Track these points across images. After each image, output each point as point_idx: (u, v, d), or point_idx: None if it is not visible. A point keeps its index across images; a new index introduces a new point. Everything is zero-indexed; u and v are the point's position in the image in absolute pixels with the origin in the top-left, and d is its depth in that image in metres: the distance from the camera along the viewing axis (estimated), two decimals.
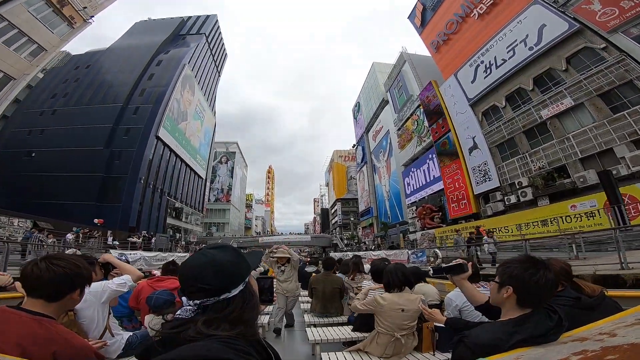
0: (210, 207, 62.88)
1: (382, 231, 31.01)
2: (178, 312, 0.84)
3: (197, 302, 0.82)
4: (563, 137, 16.90)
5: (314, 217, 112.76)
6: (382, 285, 3.11)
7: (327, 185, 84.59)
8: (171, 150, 37.05)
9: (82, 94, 35.63)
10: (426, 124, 28.66)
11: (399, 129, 34.60)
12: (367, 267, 5.33)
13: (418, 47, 35.70)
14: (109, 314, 2.20)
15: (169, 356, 0.56)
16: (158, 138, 33.77)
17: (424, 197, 28.59)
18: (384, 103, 41.11)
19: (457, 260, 2.00)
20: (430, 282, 4.48)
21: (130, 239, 18.04)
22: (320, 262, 7.98)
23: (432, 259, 11.41)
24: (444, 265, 2.07)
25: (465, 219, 22.88)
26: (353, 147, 57.54)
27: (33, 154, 30.97)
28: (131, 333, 2.45)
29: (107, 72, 38.67)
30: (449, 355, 2.05)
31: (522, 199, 18.53)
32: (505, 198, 19.65)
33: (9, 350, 1.05)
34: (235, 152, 73.34)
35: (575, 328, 1.12)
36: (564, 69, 17.09)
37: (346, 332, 3.79)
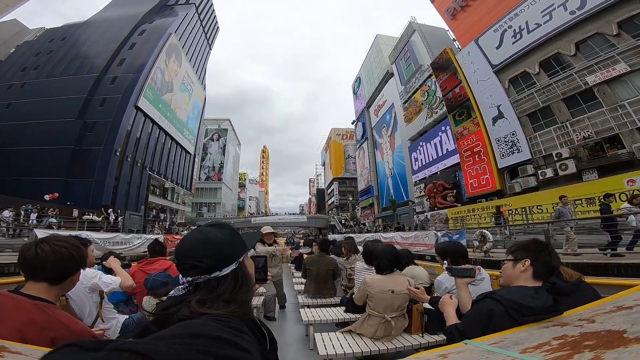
0: (200, 186, 59.80)
1: (390, 210, 28.21)
2: (172, 292, 0.83)
3: (190, 279, 0.81)
4: (615, 104, 14.66)
5: (309, 198, 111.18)
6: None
7: (324, 164, 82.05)
8: (154, 122, 33.54)
9: (55, 66, 32.68)
10: (439, 93, 25.86)
11: (405, 102, 32.30)
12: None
13: (426, 19, 32.41)
14: (102, 299, 2.21)
15: (163, 333, 0.55)
16: (138, 108, 30.32)
17: (435, 173, 25.84)
18: (388, 76, 38.81)
19: (468, 265, 2.36)
20: (420, 264, 4.70)
21: (86, 216, 14.95)
22: (314, 243, 7.58)
23: (477, 243, 8.51)
24: (454, 266, 2.19)
25: (485, 197, 20.15)
26: (352, 123, 54.16)
27: None
28: (127, 316, 2.47)
29: (84, 43, 35.31)
30: (437, 337, 2.79)
31: (561, 173, 15.79)
32: (540, 172, 16.81)
33: (8, 335, 1.03)
34: (227, 129, 69.23)
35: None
36: (615, 33, 15.07)
37: (339, 313, 3.83)
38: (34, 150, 26.48)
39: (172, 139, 38.61)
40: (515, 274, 1.54)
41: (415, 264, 4.09)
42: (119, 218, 17.20)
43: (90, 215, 15.28)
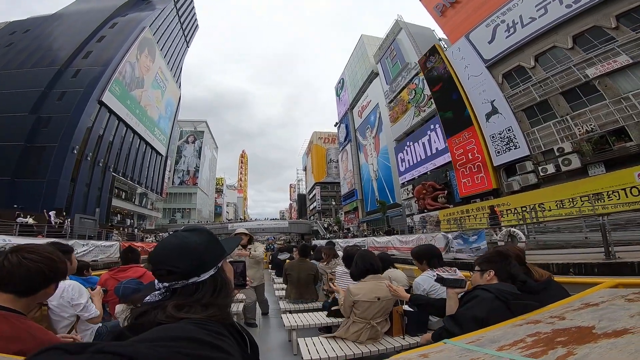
0: (174, 190, 56.94)
1: (379, 213, 26.62)
2: (147, 297, 0.80)
3: (167, 284, 0.79)
4: (618, 96, 13.90)
5: (290, 204, 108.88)
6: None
7: (305, 169, 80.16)
8: (120, 119, 30.73)
9: (13, 59, 29.61)
10: (427, 91, 24.87)
11: (390, 102, 31.36)
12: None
13: (412, 20, 31.88)
14: (78, 319, 2.16)
15: (144, 336, 0.54)
16: (101, 103, 27.63)
17: (425, 174, 24.51)
18: (372, 76, 37.98)
19: (461, 276, 2.51)
20: (399, 267, 4.49)
21: (22, 219, 12.37)
22: (294, 249, 7.28)
23: (503, 244, 6.90)
24: (445, 276, 2.20)
25: (480, 196, 18.87)
26: (335, 125, 52.78)
27: None
28: (100, 324, 2.39)
29: (49, 36, 32.39)
30: (417, 338, 2.82)
31: (564, 168, 14.66)
32: (540, 168, 15.65)
33: None
34: (203, 131, 66.35)
35: (521, 307, 1.36)
36: (613, 26, 14.37)
37: (321, 318, 3.85)
38: None
39: (142, 138, 35.73)
40: (483, 282, 1.78)
41: (395, 267, 4.10)
42: (66, 222, 14.59)
43: (27, 218, 12.68)
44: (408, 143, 27.35)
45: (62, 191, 22.74)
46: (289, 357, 3.75)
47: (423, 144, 25.19)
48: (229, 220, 69.13)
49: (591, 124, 14.46)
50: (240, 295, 4.97)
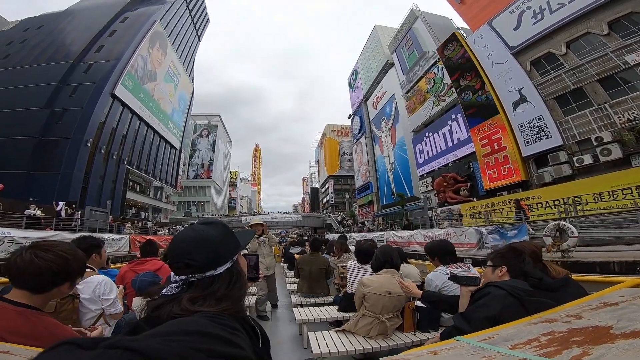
0: (188, 184, 57.14)
1: (397, 206, 25.59)
2: (164, 290, 0.81)
3: (183, 277, 0.80)
4: None
5: (303, 198, 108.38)
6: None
7: (318, 163, 79.02)
8: (133, 112, 30.60)
9: (27, 55, 29.68)
10: (447, 80, 23.75)
11: (407, 92, 30.28)
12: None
13: (426, 9, 30.75)
14: (103, 313, 2.11)
15: (156, 331, 0.54)
16: (114, 97, 27.45)
17: (446, 165, 23.43)
18: (387, 66, 36.78)
19: (475, 273, 2.47)
20: (412, 263, 4.53)
21: (29, 211, 12.03)
22: (306, 243, 7.55)
23: (550, 240, 6.13)
24: (459, 274, 2.22)
25: (507, 189, 17.77)
26: (349, 117, 51.66)
27: None
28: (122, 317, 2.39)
29: (61, 31, 32.36)
30: (429, 334, 2.76)
31: (602, 159, 13.50)
32: (575, 159, 14.46)
33: None
34: (217, 125, 66.22)
35: (537, 304, 1.34)
36: None
37: (332, 312, 3.83)
38: None
39: (155, 131, 35.58)
40: (495, 278, 1.76)
41: (408, 263, 4.05)
42: (77, 214, 14.28)
43: (35, 210, 12.35)
44: (427, 134, 26.24)
45: (76, 184, 22.66)
46: (299, 351, 3.71)
47: (443, 134, 24.06)
48: (242, 213, 69.24)
49: (633, 112, 13.32)
50: (252, 289, 5.07)
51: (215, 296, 0.76)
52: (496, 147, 18.45)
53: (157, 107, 35.67)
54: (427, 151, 25.92)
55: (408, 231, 13.40)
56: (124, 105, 28.93)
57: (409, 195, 28.43)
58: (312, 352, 2.71)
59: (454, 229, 10.55)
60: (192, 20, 48.65)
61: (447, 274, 2.51)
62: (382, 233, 16.38)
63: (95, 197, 24.59)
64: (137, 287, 2.51)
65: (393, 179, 33.34)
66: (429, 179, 24.80)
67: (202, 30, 54.67)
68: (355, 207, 46.30)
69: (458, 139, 22.39)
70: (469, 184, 20.69)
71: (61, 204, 14.09)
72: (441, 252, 2.84)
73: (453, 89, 22.98)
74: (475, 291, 1.72)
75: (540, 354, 0.69)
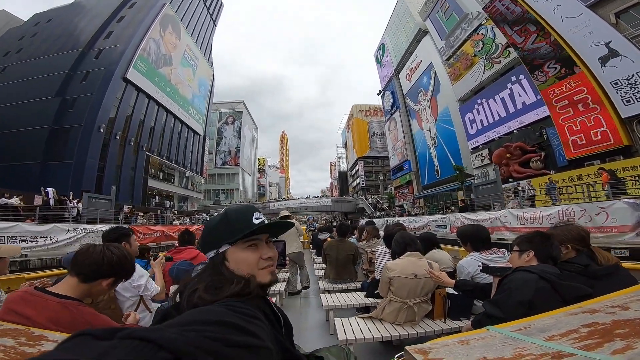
0: (216, 172, 56.64)
1: (457, 181, 21.87)
2: (193, 274, 0.85)
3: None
4: None
5: (331, 182, 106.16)
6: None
7: (345, 145, 76.15)
8: (150, 97, 28.99)
9: (38, 47, 29.11)
10: (501, 40, 20.30)
11: (448, 58, 26.80)
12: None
13: None
14: (143, 295, 2.26)
15: (175, 321, 0.55)
16: (127, 81, 25.90)
17: (509, 134, 19.64)
18: (420, 35, 33.36)
19: (507, 263, 2.25)
20: (445, 248, 4.18)
21: (2, 200, 10.01)
22: (334, 229, 6.50)
23: None
24: (492, 265, 2.29)
25: (600, 157, 14.00)
26: (379, 94, 47.61)
27: None
28: (159, 305, 2.36)
29: (70, 22, 31.19)
30: (460, 323, 2.65)
31: None
32: None
33: None
34: (242, 111, 64.68)
35: (572, 289, 1.33)
36: None
37: (359, 298, 3.80)
38: (11, 134, 22.65)
39: (176, 117, 34.05)
40: (522, 263, 1.66)
41: (440, 248, 3.80)
42: (73, 203, 12.11)
43: (12, 198, 10.30)
44: (478, 101, 22.43)
45: (90, 172, 21.61)
46: (325, 337, 3.65)
47: (502, 99, 20.22)
48: (271, 200, 67.96)
49: None
50: (280, 275, 5.39)
51: (211, 281, 0.76)
52: (581, 109, 14.59)
53: (175, 92, 34.00)
54: (481, 120, 22.13)
55: (488, 212, 10.19)
56: (139, 89, 27.43)
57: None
58: (337, 339, 2.62)
59: (579, 205, 7.25)
60: (205, 4, 46.12)
61: (480, 265, 2.45)
62: (443, 216, 13.28)
63: (115, 186, 23.15)
64: (174, 275, 2.65)
65: (436, 155, 29.65)
66: (485, 152, 21.19)
67: (217, 14, 51.86)
68: (391, 189, 42.78)
69: (523, 103, 18.53)
70: (542, 153, 16.87)
71: (50, 190, 12.06)
72: (473, 239, 2.68)
73: (510, 49, 19.39)
74: (503, 276, 1.63)
75: (579, 346, 0.64)
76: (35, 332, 0.97)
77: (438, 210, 19.72)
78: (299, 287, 5.85)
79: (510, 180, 17.78)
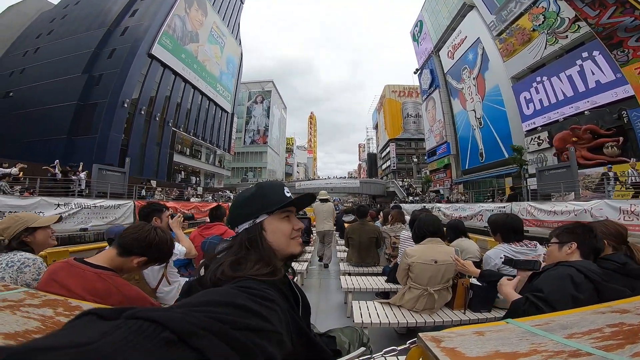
0: (244, 149, 56.84)
1: (515, 164, 19.22)
2: (224, 244, 0.88)
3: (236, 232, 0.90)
4: None
5: (359, 164, 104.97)
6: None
7: (376, 127, 73.39)
8: (177, 73, 28.42)
9: (67, 28, 29.30)
10: (567, 14, 17.65)
11: (500, 33, 24.00)
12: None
13: None
14: (167, 264, 2.18)
15: (186, 301, 0.54)
16: (152, 57, 25.34)
17: (577, 115, 16.95)
18: (464, 10, 30.38)
19: (539, 255, 2.25)
20: (472, 237, 4.20)
21: (1, 169, 9.26)
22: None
23: None
24: (516, 258, 2.10)
25: None
26: (415, 73, 44.25)
27: (11, 94, 26.09)
28: (187, 279, 2.31)
29: (97, 2, 30.76)
30: (479, 315, 2.56)
31: None
32: None
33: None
34: (270, 90, 63.73)
35: (613, 292, 1.21)
36: None
37: (379, 283, 3.78)
38: (41, 111, 23.06)
39: (203, 94, 33.49)
40: (562, 256, 1.54)
41: (467, 237, 3.62)
42: (79, 175, 11.45)
43: (12, 168, 9.50)
44: (537, 79, 19.70)
45: (113, 146, 21.50)
46: (342, 319, 3.61)
47: (569, 77, 17.47)
48: (298, 179, 67.39)
49: None
50: (304, 255, 5.18)
51: (236, 257, 0.79)
52: None
53: (202, 68, 33.26)
54: (540, 100, 19.43)
55: (572, 203, 8.28)
56: (165, 65, 26.88)
57: (508, 156, 22.23)
58: (353, 322, 2.60)
59: None
60: None
61: (505, 253, 2.41)
62: (501, 205, 11.40)
63: (140, 161, 23.66)
64: (206, 249, 2.52)
65: (481, 136, 26.96)
66: (544, 134, 18.60)
67: None
68: (426, 173, 40.22)
69: (597, 81, 15.77)
70: (620, 138, 14.23)
71: (56, 162, 11.31)
72: (506, 228, 2.50)
73: (580, 23, 16.67)
74: (541, 271, 1.51)
75: (598, 346, 0.62)
76: (72, 302, 1.01)
77: (487, 197, 17.49)
78: (326, 260, 6.25)
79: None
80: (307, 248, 6.19)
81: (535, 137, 19.26)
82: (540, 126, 19.13)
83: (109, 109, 21.63)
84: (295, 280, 1.20)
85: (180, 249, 2.33)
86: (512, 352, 0.64)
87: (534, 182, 13.62)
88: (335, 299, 4.40)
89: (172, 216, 2.68)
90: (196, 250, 2.72)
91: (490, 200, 16.15)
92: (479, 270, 2.30)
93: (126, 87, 22.27)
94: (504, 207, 10.80)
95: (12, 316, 0.83)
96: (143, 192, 16.25)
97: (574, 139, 15.79)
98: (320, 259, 6.39)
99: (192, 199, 18.93)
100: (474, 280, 2.62)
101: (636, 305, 0.90)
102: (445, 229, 3.06)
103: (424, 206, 15.19)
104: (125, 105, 22.04)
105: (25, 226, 1.71)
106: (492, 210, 11.28)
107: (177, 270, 2.51)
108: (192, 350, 0.38)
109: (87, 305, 0.95)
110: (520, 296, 1.51)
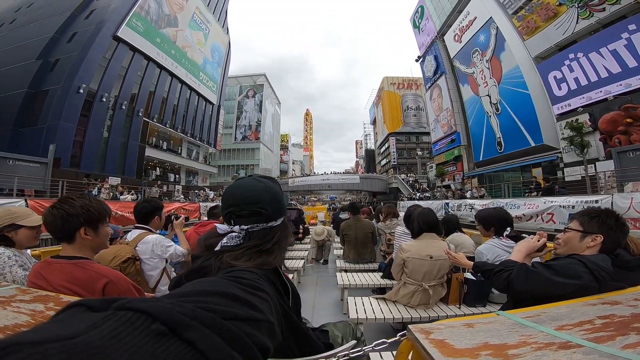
0: (235, 146, 53.73)
1: (576, 144, 15.43)
2: (224, 241, 0.84)
3: (245, 227, 0.84)
4: None
5: (356, 161, 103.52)
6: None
7: (374, 122, 71.20)
8: (149, 58, 25.04)
9: (31, 17, 25.97)
10: None
11: (516, 11, 21.79)
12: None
13: None
14: (167, 262, 2.36)
15: (176, 291, 0.54)
16: (118, 39, 22.11)
17: (628, 93, 14.19)
18: None
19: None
20: (467, 232, 4.07)
21: None
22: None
23: None
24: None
25: None
26: (417, 60, 41.11)
27: None
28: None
29: None
30: (475, 309, 2.54)
31: None
32: None
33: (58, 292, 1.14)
34: (263, 84, 60.26)
35: (609, 289, 1.15)
36: None
37: (375, 279, 3.78)
38: None
39: (183, 82, 30.19)
40: (581, 247, 1.38)
41: (462, 232, 3.66)
42: None
43: None
44: (570, 56, 16.96)
45: (64, 136, 18.43)
46: (338, 316, 3.60)
47: (613, 52, 14.88)
48: (292, 176, 64.46)
49: None
50: (300, 253, 5.57)
51: (266, 247, 0.80)
52: None
53: (182, 55, 30.04)
54: (575, 78, 16.57)
55: None
56: (135, 50, 23.56)
57: (534, 144, 19.41)
58: (349, 317, 2.58)
59: None
60: None
61: (500, 246, 2.39)
62: (595, 197, 8.14)
63: (101, 155, 20.84)
64: None
65: (499, 124, 24.07)
66: (584, 117, 15.75)
67: None
68: (432, 167, 37.12)
69: None
70: None
71: None
72: (500, 222, 2.48)
73: None
74: (554, 258, 1.43)
75: (589, 338, 0.63)
76: (63, 298, 1.03)
77: (525, 192, 14.26)
78: (325, 256, 6.61)
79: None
80: (303, 247, 6.31)
81: (570, 122, 16.19)
82: (582, 107, 16.09)
83: (61, 95, 18.66)
84: (292, 277, 1.30)
85: (181, 251, 2.38)
86: (501, 344, 0.64)
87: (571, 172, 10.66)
88: (331, 296, 4.35)
89: (177, 217, 2.80)
90: (192, 248, 2.76)
91: (527, 194, 13.08)
92: (471, 262, 2.01)
93: (83, 72, 19.14)
94: (598, 200, 7.38)
95: (2, 311, 0.84)
96: (95, 191, 13.25)
97: (628, 120, 12.91)
98: (323, 262, 6.52)
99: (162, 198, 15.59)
100: (468, 275, 2.63)
101: (628, 297, 0.90)
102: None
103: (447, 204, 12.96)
104: (81, 91, 18.99)
105: (11, 222, 1.69)
106: (574, 207, 7.87)
107: (173, 269, 2.54)
108: (183, 342, 0.37)
109: (66, 297, 1.00)
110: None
